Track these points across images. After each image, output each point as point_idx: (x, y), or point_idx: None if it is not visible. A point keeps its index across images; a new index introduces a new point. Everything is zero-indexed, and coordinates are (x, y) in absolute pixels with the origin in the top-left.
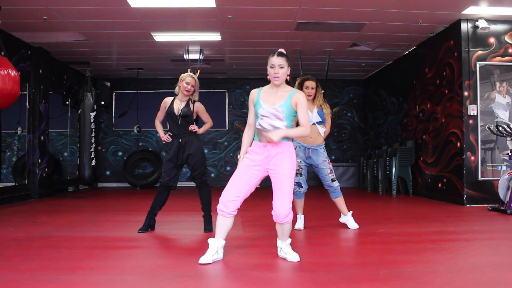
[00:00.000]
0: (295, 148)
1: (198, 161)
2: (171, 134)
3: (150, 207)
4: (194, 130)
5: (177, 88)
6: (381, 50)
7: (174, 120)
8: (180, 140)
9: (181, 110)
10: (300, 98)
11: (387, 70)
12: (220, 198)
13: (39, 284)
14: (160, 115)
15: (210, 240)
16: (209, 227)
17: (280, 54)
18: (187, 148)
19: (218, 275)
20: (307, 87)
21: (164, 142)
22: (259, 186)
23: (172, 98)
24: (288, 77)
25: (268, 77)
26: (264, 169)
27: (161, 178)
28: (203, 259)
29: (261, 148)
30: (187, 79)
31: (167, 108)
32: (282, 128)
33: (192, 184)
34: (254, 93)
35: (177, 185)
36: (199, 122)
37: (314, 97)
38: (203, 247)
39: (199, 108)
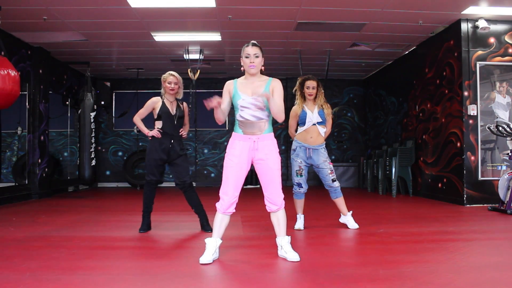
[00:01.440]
0: (296, 149)
1: (187, 163)
2: (161, 131)
3: (144, 207)
4: (184, 136)
5: (162, 89)
6: (381, 50)
7: (170, 120)
8: (172, 141)
9: (177, 111)
10: (277, 85)
11: (387, 70)
12: (221, 198)
13: (39, 284)
14: (144, 113)
15: (207, 240)
16: (209, 227)
17: (254, 44)
18: (179, 149)
19: (218, 275)
20: (308, 87)
21: (150, 138)
22: (258, 185)
23: (159, 98)
24: (263, 68)
25: (242, 68)
26: (249, 161)
27: (150, 176)
28: (203, 259)
29: (245, 140)
30: (169, 79)
31: (160, 108)
32: (265, 118)
33: None
34: (231, 83)
35: (175, 185)
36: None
37: (316, 97)
38: (203, 247)
39: (186, 109)
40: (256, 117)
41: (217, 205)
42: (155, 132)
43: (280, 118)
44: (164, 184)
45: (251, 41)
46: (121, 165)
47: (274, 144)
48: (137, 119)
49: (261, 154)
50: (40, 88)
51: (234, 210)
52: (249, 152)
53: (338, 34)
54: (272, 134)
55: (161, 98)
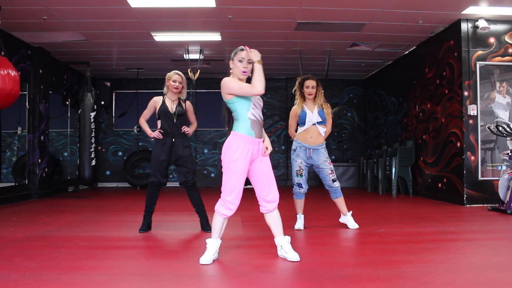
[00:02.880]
0: (296, 149)
1: (190, 163)
2: (162, 131)
3: (146, 207)
4: (187, 132)
5: (165, 88)
6: (381, 50)
7: (169, 118)
8: (173, 140)
9: (176, 108)
10: None
11: (387, 70)
12: (226, 203)
13: (39, 284)
14: (147, 113)
15: (208, 241)
16: (209, 227)
17: (245, 49)
18: (179, 149)
19: (218, 275)
20: (307, 87)
21: (152, 139)
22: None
23: (161, 97)
24: (250, 75)
25: (230, 70)
26: (249, 165)
27: (153, 177)
28: (204, 260)
29: (255, 144)
30: (174, 77)
31: (159, 107)
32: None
33: None
34: (235, 79)
35: (176, 185)
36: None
37: (315, 97)
38: (203, 247)
39: (190, 107)
40: (261, 118)
41: (222, 210)
42: (156, 134)
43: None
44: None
45: (240, 46)
46: (121, 165)
47: None
48: (142, 120)
49: (262, 156)
50: (40, 88)
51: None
52: (255, 154)
53: (338, 34)
54: None
55: (163, 97)
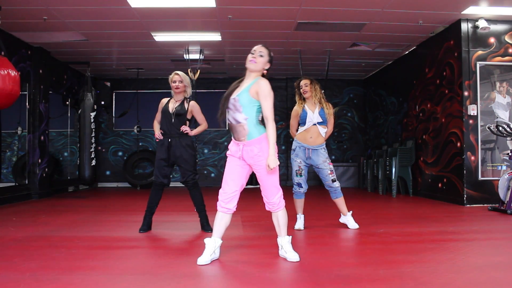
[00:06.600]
0: (295, 149)
1: (188, 163)
2: (162, 132)
3: (147, 207)
4: (185, 131)
5: (172, 90)
6: (381, 50)
7: (167, 118)
8: (169, 140)
9: (175, 108)
10: (262, 85)
11: (387, 70)
12: (220, 196)
13: (39, 284)
14: (158, 116)
15: (206, 240)
16: (209, 227)
17: (265, 46)
18: (176, 150)
19: (218, 275)
20: (301, 86)
21: (157, 140)
22: (258, 185)
23: (168, 98)
24: (265, 72)
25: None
26: (245, 163)
27: (155, 177)
28: (201, 260)
29: (235, 146)
30: (173, 78)
31: (162, 108)
32: (243, 122)
33: None
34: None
35: (176, 185)
36: (196, 122)
37: (312, 95)
38: (203, 247)
39: (193, 107)
40: (236, 120)
41: (218, 204)
42: (157, 135)
43: (275, 127)
44: None
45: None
46: (121, 165)
47: (259, 147)
48: (155, 123)
49: (251, 160)
50: (40, 88)
51: (235, 208)
52: (240, 157)
53: (338, 34)
54: (260, 137)
55: (170, 98)
